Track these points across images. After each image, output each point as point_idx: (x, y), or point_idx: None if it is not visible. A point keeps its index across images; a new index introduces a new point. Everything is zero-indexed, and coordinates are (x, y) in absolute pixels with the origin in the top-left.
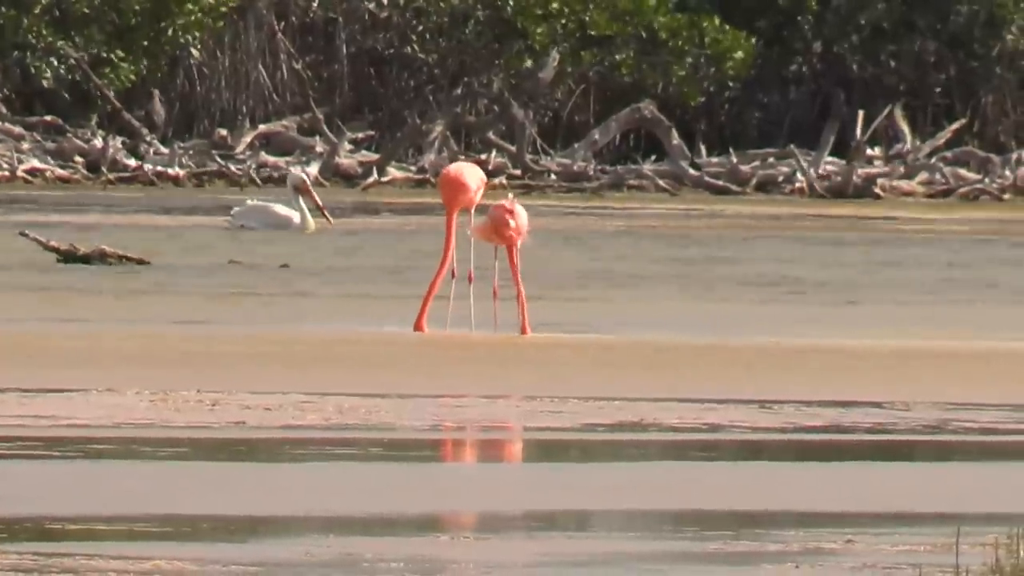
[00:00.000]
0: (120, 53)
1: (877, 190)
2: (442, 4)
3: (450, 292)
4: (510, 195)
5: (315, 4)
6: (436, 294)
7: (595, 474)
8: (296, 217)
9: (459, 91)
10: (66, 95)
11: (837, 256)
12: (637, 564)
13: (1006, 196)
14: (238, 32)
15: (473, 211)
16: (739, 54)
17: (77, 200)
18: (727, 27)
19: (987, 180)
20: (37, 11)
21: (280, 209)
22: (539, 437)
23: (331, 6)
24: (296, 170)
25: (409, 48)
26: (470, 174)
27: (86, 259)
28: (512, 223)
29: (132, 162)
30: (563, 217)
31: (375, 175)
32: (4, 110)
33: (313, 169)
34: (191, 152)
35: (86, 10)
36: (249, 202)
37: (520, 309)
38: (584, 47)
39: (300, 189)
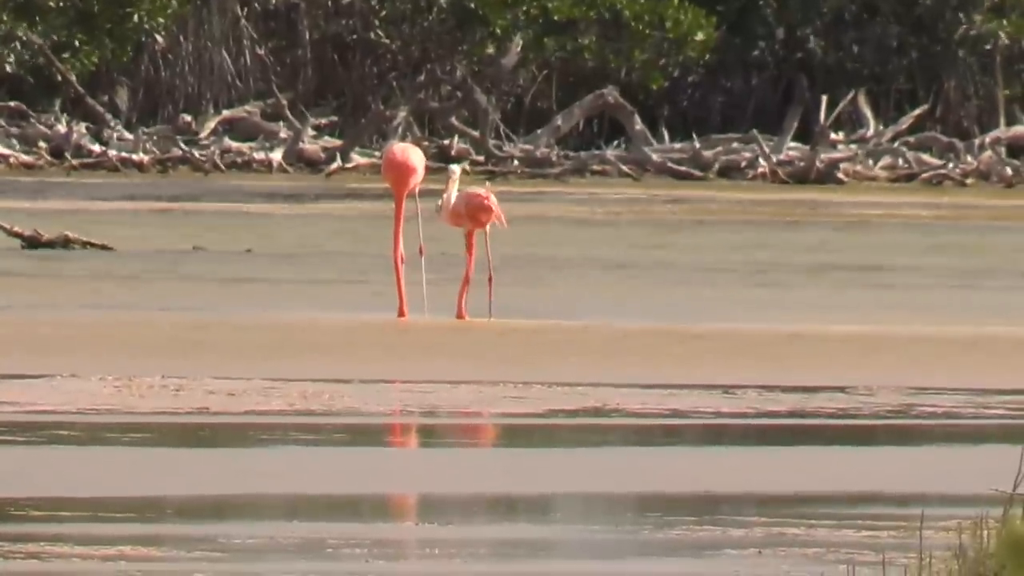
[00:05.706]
0: (83, 37)
1: (840, 175)
2: None
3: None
4: (487, 184)
5: None
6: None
7: (558, 459)
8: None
9: (422, 77)
10: (30, 80)
11: (800, 241)
12: (600, 550)
13: (969, 181)
14: (201, 18)
15: (417, 193)
16: (700, 35)
17: (41, 186)
18: (687, 4)
19: (950, 165)
20: None
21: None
22: (503, 422)
23: None
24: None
25: (372, 34)
26: (415, 156)
27: (50, 245)
28: (491, 209)
29: (96, 148)
30: (526, 203)
31: (339, 161)
32: None
33: (277, 155)
34: (155, 138)
35: None
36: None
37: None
38: (547, 33)
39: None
